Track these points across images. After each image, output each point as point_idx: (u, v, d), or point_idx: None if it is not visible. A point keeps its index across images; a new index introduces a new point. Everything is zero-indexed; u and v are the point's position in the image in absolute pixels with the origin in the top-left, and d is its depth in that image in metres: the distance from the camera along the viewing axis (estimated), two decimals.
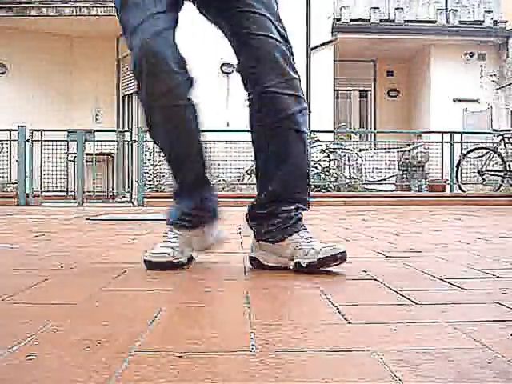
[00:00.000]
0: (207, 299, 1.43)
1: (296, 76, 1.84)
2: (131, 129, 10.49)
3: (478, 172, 10.52)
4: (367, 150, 11.58)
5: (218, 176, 9.29)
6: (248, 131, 1.92)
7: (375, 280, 1.63)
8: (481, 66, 12.84)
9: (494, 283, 1.59)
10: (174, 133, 1.88)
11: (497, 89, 12.83)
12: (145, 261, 1.87)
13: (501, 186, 10.48)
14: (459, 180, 10.31)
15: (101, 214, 5.55)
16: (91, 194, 8.85)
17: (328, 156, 10.68)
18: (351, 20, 12.47)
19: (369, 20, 12.58)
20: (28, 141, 8.28)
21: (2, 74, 12.04)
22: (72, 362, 0.90)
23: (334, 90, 12.47)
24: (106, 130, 10.54)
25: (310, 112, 11.72)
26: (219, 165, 9.41)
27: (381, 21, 12.60)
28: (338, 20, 12.36)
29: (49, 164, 9.11)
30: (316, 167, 10.63)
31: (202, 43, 9.21)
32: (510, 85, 12.50)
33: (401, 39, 12.67)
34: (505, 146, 10.60)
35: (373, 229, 3.67)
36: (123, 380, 0.81)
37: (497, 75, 12.82)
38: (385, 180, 10.88)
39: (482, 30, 12.65)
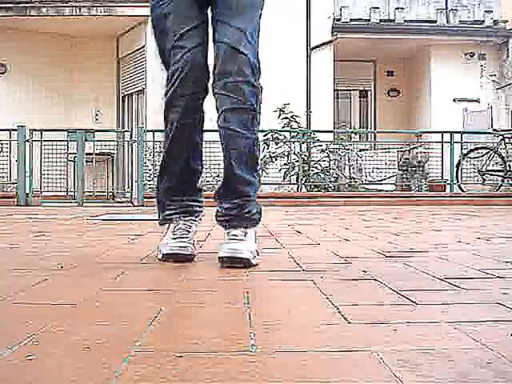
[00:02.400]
0: (207, 299, 1.43)
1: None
2: (131, 129, 10.49)
3: (478, 172, 10.52)
4: (367, 150, 11.58)
5: (218, 176, 9.27)
6: None
7: (375, 280, 1.63)
8: (481, 65, 12.83)
9: (494, 283, 1.59)
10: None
11: (497, 89, 12.82)
12: (168, 254, 1.99)
13: (501, 185, 10.48)
14: (459, 180, 10.31)
15: (101, 214, 5.55)
16: (91, 194, 8.84)
17: (328, 156, 10.68)
18: (351, 20, 12.46)
19: (369, 20, 12.57)
20: (28, 141, 8.27)
21: (2, 73, 12.04)
22: (72, 362, 0.90)
23: (334, 90, 12.46)
24: (106, 130, 10.54)
25: (310, 112, 11.77)
26: (219, 165, 9.40)
27: (381, 21, 12.59)
28: (338, 20, 12.35)
29: (49, 164, 9.10)
30: (316, 167, 10.63)
31: None
32: (510, 85, 12.50)
33: (401, 39, 12.66)
34: (505, 145, 10.60)
35: (373, 229, 3.67)
36: (123, 380, 0.81)
37: (497, 75, 12.82)
38: (385, 180, 10.88)
39: (482, 30, 12.64)
